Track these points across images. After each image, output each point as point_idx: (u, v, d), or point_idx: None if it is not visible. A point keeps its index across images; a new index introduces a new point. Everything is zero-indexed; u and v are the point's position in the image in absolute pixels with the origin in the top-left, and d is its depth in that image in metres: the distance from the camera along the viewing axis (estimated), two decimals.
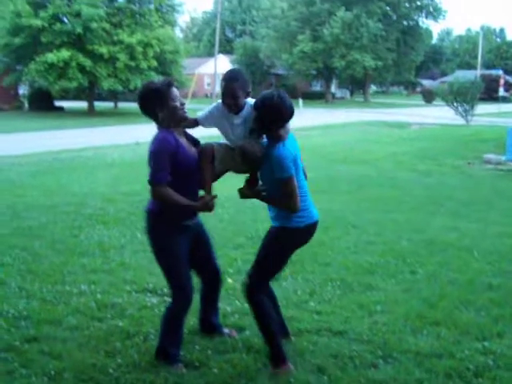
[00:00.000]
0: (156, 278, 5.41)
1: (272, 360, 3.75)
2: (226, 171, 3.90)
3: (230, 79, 3.68)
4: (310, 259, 5.96)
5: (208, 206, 3.71)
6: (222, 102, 3.73)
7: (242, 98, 3.69)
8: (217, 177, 3.87)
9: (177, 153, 3.58)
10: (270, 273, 3.85)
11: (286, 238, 3.76)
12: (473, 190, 10.90)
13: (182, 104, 3.70)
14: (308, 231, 3.80)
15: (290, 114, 3.63)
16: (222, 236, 6.59)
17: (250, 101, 3.74)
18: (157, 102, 3.62)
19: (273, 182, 3.62)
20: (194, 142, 3.83)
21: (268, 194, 3.73)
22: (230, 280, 5.11)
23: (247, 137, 3.72)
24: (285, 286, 5.18)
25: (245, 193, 3.77)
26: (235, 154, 3.71)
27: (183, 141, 3.71)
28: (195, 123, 3.88)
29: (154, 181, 3.59)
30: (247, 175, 3.85)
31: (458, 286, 5.33)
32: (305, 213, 3.72)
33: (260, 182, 3.80)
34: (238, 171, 3.86)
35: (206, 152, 3.75)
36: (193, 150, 3.73)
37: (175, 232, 3.77)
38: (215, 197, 3.73)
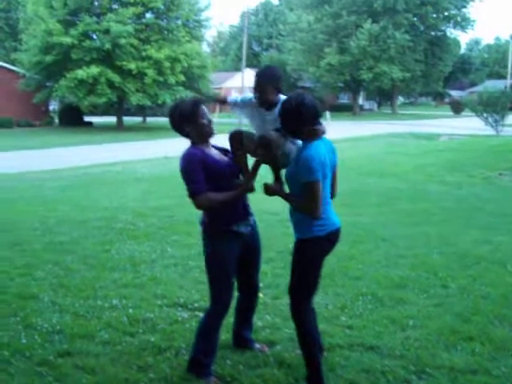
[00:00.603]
0: (187, 292, 5.45)
1: (308, 381, 3.72)
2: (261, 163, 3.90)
3: (259, 75, 3.78)
4: (340, 273, 5.92)
5: (246, 187, 3.77)
6: (254, 96, 3.83)
7: (271, 94, 3.75)
8: (255, 169, 3.88)
9: (205, 161, 3.68)
10: (307, 288, 3.79)
11: (310, 248, 3.70)
12: (504, 202, 10.74)
13: (210, 121, 3.79)
14: (330, 239, 3.75)
15: (312, 114, 3.58)
16: None
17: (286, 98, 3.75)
18: (185, 120, 3.74)
19: (298, 185, 3.58)
20: (225, 151, 3.91)
21: (291, 194, 3.71)
22: (260, 294, 5.10)
23: (270, 130, 3.75)
24: (316, 301, 5.13)
25: (270, 188, 3.73)
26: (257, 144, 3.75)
27: (211, 151, 3.81)
28: (224, 100, 4.06)
29: (193, 193, 3.68)
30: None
31: (492, 300, 5.24)
32: (325, 220, 3.66)
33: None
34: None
35: (235, 137, 3.83)
36: (224, 158, 3.83)
37: (228, 239, 3.82)
38: (252, 178, 3.80)
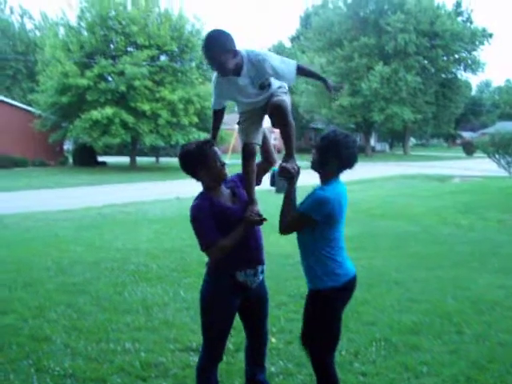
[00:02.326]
0: (199, 336, 5.37)
1: None
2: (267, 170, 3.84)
3: (205, 49, 3.33)
4: (353, 318, 5.88)
5: (251, 220, 3.54)
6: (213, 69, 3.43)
7: (230, 59, 3.32)
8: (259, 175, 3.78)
9: (213, 211, 3.53)
10: (329, 342, 3.61)
11: (326, 301, 3.51)
12: None
13: (222, 164, 3.62)
14: (347, 289, 3.57)
15: (351, 161, 3.54)
16: None
17: (249, 53, 3.42)
18: (197, 164, 3.59)
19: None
20: (235, 187, 3.75)
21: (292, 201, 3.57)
22: (273, 339, 5.08)
23: (259, 93, 3.51)
24: None
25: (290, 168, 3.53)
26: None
27: (221, 196, 3.65)
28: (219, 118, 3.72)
29: (204, 247, 3.54)
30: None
31: (509, 347, 5.16)
32: (340, 270, 3.51)
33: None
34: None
35: (246, 151, 3.65)
36: (234, 202, 3.67)
37: (230, 288, 3.61)
38: (254, 212, 3.57)
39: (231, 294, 3.63)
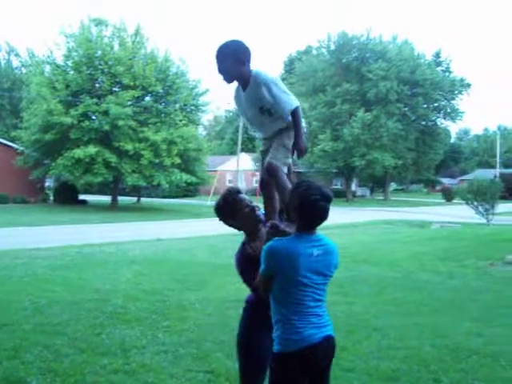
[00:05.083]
0: (177, 380, 5.38)
1: None
2: None
3: (217, 53, 3.48)
4: (332, 364, 5.85)
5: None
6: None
7: (236, 66, 3.44)
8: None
9: (251, 262, 3.46)
10: None
11: (277, 366, 3.18)
12: (497, 293, 10.71)
13: (253, 208, 3.64)
14: (302, 358, 3.12)
15: (307, 215, 3.11)
16: None
17: (259, 73, 3.50)
18: (231, 215, 3.67)
19: None
20: None
21: None
22: None
23: (257, 116, 3.58)
24: None
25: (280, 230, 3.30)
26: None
27: (258, 243, 3.56)
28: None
29: (252, 288, 3.57)
30: None
31: None
32: (296, 336, 3.11)
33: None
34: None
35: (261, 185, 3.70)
36: None
37: (263, 326, 3.52)
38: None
39: (266, 331, 3.46)
